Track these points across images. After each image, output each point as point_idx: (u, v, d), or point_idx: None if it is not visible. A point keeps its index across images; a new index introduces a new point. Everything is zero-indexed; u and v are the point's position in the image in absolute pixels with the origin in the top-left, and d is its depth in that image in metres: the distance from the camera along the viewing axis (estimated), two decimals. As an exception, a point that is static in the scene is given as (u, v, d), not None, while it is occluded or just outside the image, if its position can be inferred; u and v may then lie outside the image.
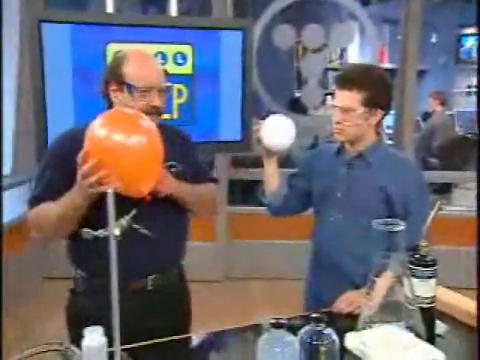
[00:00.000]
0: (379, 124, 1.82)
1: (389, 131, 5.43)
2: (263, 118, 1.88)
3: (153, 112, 1.56)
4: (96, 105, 3.12)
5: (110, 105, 1.64)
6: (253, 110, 3.53)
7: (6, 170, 3.80)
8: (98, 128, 1.39)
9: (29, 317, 3.57)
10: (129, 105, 1.53)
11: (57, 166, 1.57)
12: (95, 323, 1.21)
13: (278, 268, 4.22)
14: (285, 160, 4.28)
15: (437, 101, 6.36)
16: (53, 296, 3.84)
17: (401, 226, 1.23)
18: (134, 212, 1.32)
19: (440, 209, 1.40)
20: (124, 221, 1.10)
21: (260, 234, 4.28)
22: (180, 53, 3.04)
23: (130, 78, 1.54)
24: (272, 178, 1.92)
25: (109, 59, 1.63)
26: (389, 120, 7.50)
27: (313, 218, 1.97)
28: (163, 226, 1.60)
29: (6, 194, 3.33)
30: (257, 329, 1.32)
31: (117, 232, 1.05)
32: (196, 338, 1.51)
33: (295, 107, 4.92)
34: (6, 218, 3.11)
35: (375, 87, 1.74)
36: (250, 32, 3.31)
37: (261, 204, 2.11)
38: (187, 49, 3.05)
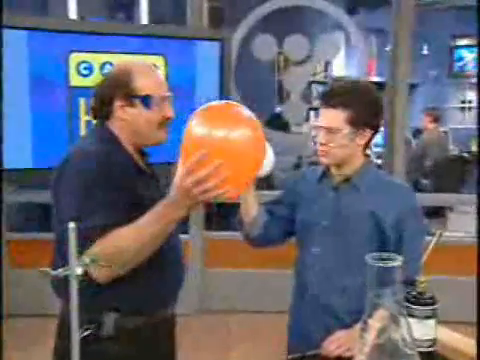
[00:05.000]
0: (367, 145, 1.80)
1: (377, 149, 5.42)
2: None
3: (167, 124, 1.61)
4: (55, 119, 3.07)
5: (102, 122, 1.62)
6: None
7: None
8: (202, 128, 1.34)
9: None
10: (141, 118, 1.57)
11: (110, 188, 1.49)
12: None
13: (257, 300, 4.15)
14: (265, 182, 4.24)
15: (429, 118, 6.38)
16: (17, 336, 3.73)
17: (398, 261, 1.19)
18: (97, 249, 1.34)
19: (440, 237, 1.38)
20: (88, 259, 1.02)
21: (238, 262, 4.20)
22: (151, 65, 3.00)
23: (145, 90, 1.56)
24: (250, 207, 1.85)
25: (111, 74, 1.63)
26: (378, 138, 7.54)
27: (295, 246, 1.92)
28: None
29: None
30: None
31: (79, 271, 0.97)
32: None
33: (276, 123, 4.88)
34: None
35: (362, 105, 1.71)
36: (228, 43, 3.29)
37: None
38: (159, 61, 3.00)
